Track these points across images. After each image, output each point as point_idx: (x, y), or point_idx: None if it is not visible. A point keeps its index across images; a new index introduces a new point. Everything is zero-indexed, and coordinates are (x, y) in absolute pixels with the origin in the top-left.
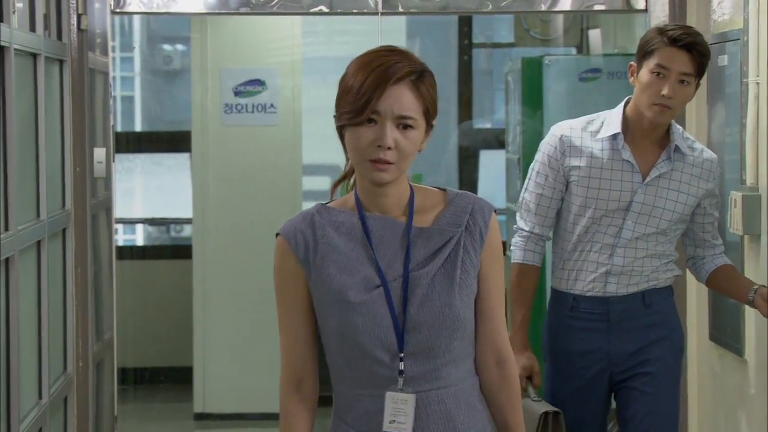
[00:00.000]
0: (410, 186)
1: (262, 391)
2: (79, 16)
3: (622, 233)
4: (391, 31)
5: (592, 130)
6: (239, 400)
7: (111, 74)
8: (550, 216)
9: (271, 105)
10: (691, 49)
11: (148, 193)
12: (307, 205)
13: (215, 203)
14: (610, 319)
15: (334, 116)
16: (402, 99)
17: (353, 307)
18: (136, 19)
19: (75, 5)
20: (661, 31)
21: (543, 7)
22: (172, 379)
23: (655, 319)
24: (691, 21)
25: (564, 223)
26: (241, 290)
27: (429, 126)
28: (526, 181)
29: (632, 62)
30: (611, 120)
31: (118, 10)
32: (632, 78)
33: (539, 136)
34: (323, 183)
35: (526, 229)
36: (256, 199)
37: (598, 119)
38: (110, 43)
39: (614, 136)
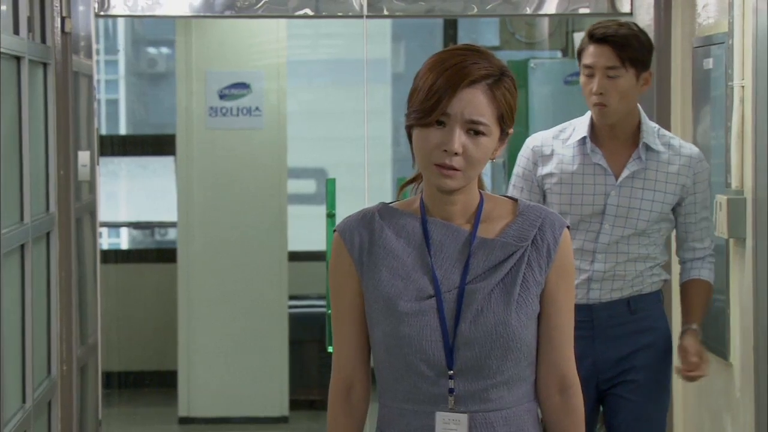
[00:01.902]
0: (480, 193)
1: (247, 395)
2: (63, 19)
3: (599, 238)
4: (376, 35)
5: (563, 138)
6: (224, 404)
7: (95, 77)
8: None
9: (256, 108)
10: (608, 41)
11: (132, 196)
12: (292, 209)
13: (200, 206)
14: (594, 326)
15: (405, 114)
16: (474, 103)
17: (402, 317)
18: (121, 22)
19: (59, 8)
20: (587, 30)
21: (528, 11)
22: (157, 383)
23: (641, 325)
24: (676, 24)
25: None
26: (226, 294)
27: (504, 134)
28: (508, 192)
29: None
30: (579, 125)
31: (102, 13)
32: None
33: (525, 140)
34: (308, 186)
35: None
36: (241, 202)
37: (570, 127)
38: (94, 46)
39: (582, 141)
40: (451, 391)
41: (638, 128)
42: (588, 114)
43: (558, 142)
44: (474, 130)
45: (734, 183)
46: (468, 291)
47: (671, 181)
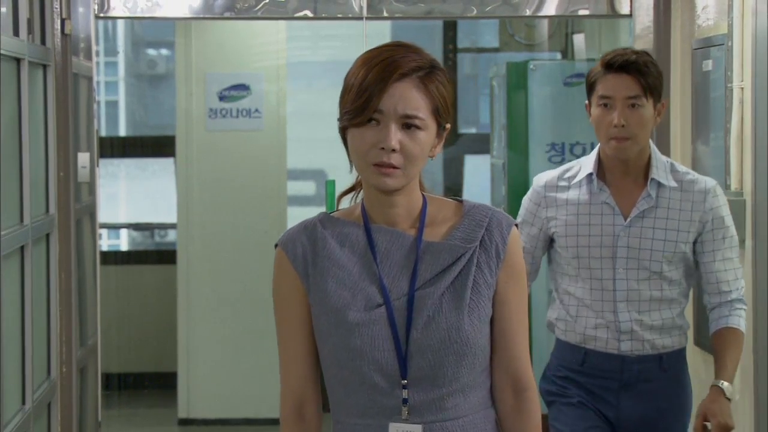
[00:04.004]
0: (423, 196)
1: (246, 396)
2: (63, 21)
3: (617, 285)
4: (375, 36)
5: (569, 176)
6: (223, 406)
7: (95, 79)
8: (530, 271)
9: (256, 110)
10: (628, 69)
11: (132, 198)
12: (292, 211)
13: (200, 208)
14: (623, 378)
15: (338, 118)
16: (407, 96)
17: (352, 328)
18: (121, 23)
19: (59, 10)
20: (601, 59)
21: (528, 12)
22: (156, 385)
23: (670, 385)
24: (676, 26)
25: (560, 277)
26: (225, 295)
27: (441, 128)
28: None
29: (587, 101)
30: (586, 162)
31: (102, 15)
32: (590, 117)
33: (524, 141)
34: (308, 188)
35: None
36: (241, 204)
37: (576, 165)
38: (94, 48)
39: (589, 178)
40: (405, 401)
41: (649, 164)
42: (595, 150)
43: (564, 181)
44: (409, 124)
45: (733, 185)
46: (418, 297)
47: (684, 218)
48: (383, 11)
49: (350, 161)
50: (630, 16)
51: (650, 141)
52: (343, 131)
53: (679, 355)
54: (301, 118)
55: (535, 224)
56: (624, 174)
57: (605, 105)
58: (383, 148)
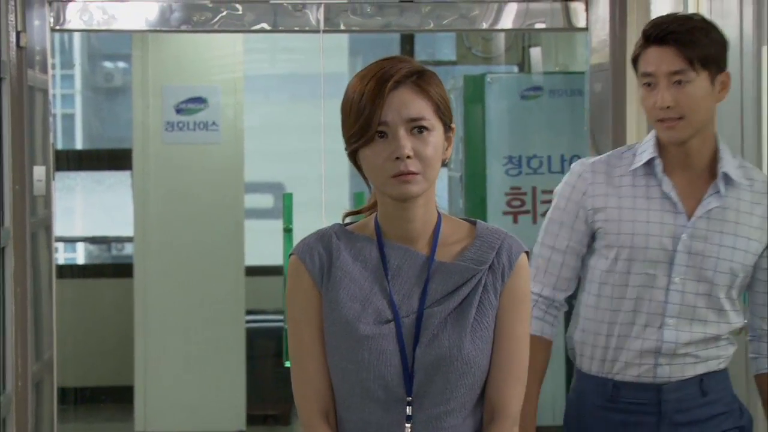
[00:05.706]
0: (438, 213)
1: (204, 409)
2: (18, 33)
3: (669, 296)
4: (333, 49)
5: (624, 163)
6: (181, 419)
7: (51, 92)
8: (563, 276)
9: (213, 123)
10: (668, 41)
11: (88, 211)
12: (250, 224)
13: (156, 221)
14: (661, 410)
15: (346, 149)
16: (407, 101)
17: (361, 341)
18: (77, 36)
19: (14, 22)
20: (643, 29)
21: (484, 26)
22: (113, 399)
23: (713, 410)
24: (631, 39)
25: (594, 286)
26: (182, 309)
27: (447, 128)
28: (540, 231)
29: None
30: (645, 147)
31: (58, 28)
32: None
33: (481, 154)
34: (266, 201)
35: (534, 291)
36: (198, 217)
37: (631, 150)
38: (50, 61)
39: (650, 164)
40: (408, 418)
41: (715, 155)
42: (652, 134)
43: (616, 168)
44: (417, 127)
45: None
46: (426, 315)
47: (757, 224)
48: (340, 24)
49: (366, 181)
50: (586, 29)
51: (716, 131)
52: (353, 154)
53: (722, 376)
54: (259, 131)
55: (578, 217)
56: (685, 166)
57: (649, 83)
58: (398, 158)
